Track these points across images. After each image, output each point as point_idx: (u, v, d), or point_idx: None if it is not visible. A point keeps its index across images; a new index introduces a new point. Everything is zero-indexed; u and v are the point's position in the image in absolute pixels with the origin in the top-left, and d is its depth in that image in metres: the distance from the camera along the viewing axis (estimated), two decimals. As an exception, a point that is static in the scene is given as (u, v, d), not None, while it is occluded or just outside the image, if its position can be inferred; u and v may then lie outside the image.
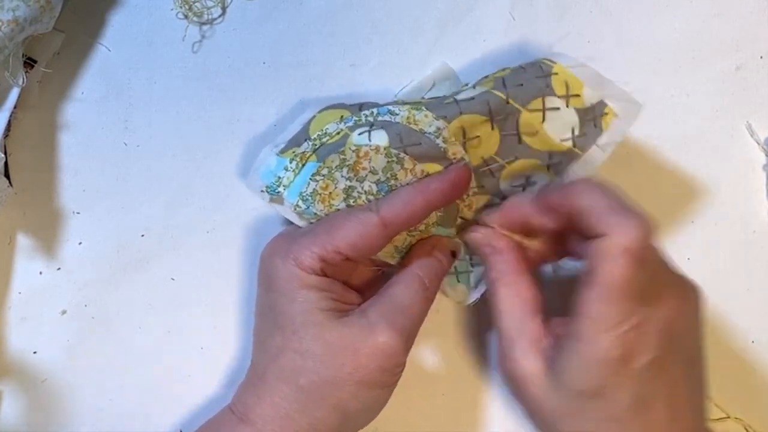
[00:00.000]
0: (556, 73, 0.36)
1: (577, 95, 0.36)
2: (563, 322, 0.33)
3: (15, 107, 0.38)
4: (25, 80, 0.37)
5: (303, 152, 0.36)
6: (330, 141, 0.36)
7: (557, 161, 0.37)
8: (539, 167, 0.37)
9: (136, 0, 0.41)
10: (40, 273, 0.40)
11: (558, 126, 0.36)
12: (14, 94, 0.38)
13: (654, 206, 0.42)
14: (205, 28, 0.41)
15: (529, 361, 0.33)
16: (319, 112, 0.38)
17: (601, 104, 0.37)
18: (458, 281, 0.38)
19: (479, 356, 0.42)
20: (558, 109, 0.36)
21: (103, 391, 0.40)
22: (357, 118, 0.36)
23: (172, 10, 0.41)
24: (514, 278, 0.34)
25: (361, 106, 0.37)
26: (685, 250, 0.42)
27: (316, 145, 0.36)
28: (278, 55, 0.41)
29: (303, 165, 0.36)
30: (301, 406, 0.33)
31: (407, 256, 0.37)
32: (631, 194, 0.42)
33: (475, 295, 0.38)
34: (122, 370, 0.40)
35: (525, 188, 0.37)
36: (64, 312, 0.40)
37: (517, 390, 0.34)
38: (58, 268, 0.40)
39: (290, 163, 0.36)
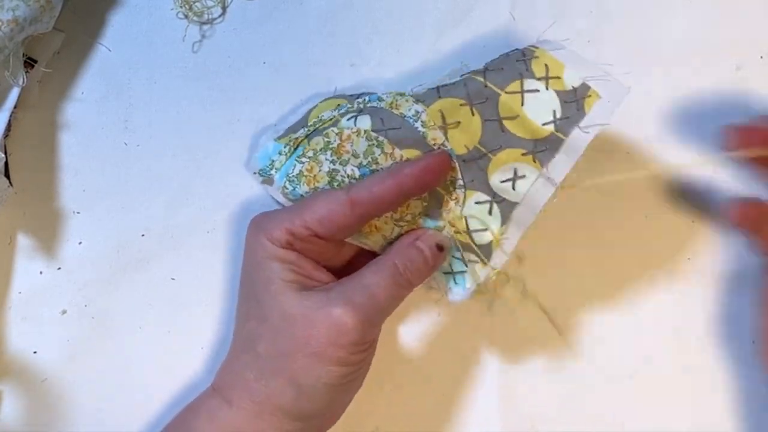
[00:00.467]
0: (537, 57, 0.36)
1: (558, 77, 0.36)
2: None
3: (15, 107, 0.38)
4: (25, 80, 0.37)
5: (296, 137, 0.37)
6: (322, 126, 0.37)
7: (542, 149, 0.36)
8: (525, 157, 0.36)
9: (136, 0, 0.41)
10: (40, 273, 0.40)
11: (538, 109, 0.36)
12: (14, 94, 0.38)
13: (654, 206, 0.42)
14: (205, 28, 0.41)
15: None
16: (321, 102, 0.38)
17: (584, 86, 0.36)
18: (455, 281, 0.38)
19: (479, 356, 0.42)
20: (537, 91, 0.36)
21: (103, 391, 0.40)
22: (350, 106, 0.37)
23: (172, 10, 0.41)
24: None
25: (359, 95, 0.38)
26: (685, 250, 0.42)
27: (309, 130, 0.37)
28: (278, 55, 0.41)
29: (294, 149, 0.37)
30: (258, 374, 0.34)
31: (391, 244, 0.37)
32: (631, 194, 0.42)
33: (466, 295, 0.38)
34: (122, 370, 0.40)
35: (514, 183, 0.36)
36: (64, 312, 0.40)
37: None
38: (58, 268, 0.40)
39: (284, 147, 0.37)
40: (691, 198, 0.43)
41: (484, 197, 0.36)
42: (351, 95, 0.38)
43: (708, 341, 0.42)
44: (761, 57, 0.43)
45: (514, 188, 0.36)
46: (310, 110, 0.38)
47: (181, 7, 0.41)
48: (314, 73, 0.41)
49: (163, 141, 0.41)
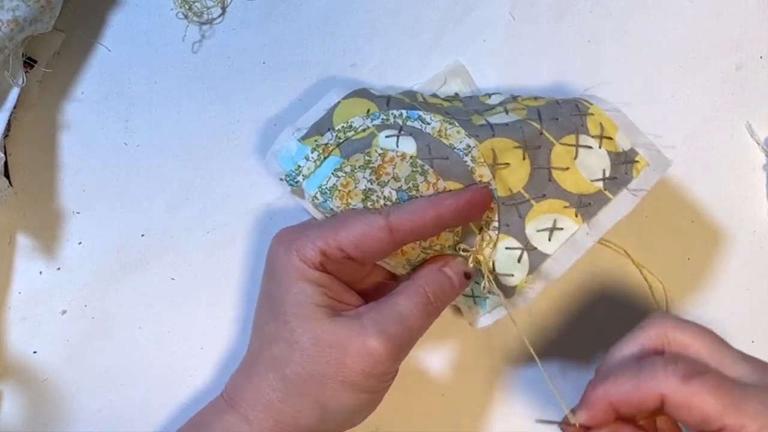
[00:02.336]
0: (592, 114, 0.36)
1: (611, 138, 0.36)
2: None
3: (15, 107, 0.38)
4: (25, 80, 0.37)
5: (326, 144, 0.36)
6: (355, 137, 0.36)
7: (586, 204, 0.36)
8: (567, 210, 0.36)
9: (136, 0, 0.41)
10: (40, 273, 0.40)
11: (590, 165, 0.36)
12: (14, 94, 0.38)
13: (654, 206, 0.42)
14: (205, 28, 0.41)
15: None
16: (344, 99, 0.37)
17: (633, 152, 0.37)
18: (475, 304, 0.38)
19: (479, 356, 0.42)
20: (591, 147, 0.36)
21: (103, 391, 0.40)
22: (385, 117, 0.36)
23: (172, 10, 0.41)
24: None
25: (388, 101, 0.37)
26: (685, 250, 0.42)
27: (340, 138, 0.36)
28: (278, 55, 0.41)
29: (325, 157, 0.36)
30: (284, 396, 0.33)
31: (417, 268, 0.36)
32: (631, 194, 0.42)
33: (487, 321, 0.38)
34: (122, 370, 0.40)
35: (551, 233, 0.36)
36: (64, 312, 0.40)
37: None
38: (58, 268, 0.40)
39: (312, 152, 0.36)
40: (690, 197, 0.43)
41: (516, 244, 0.36)
42: (379, 96, 0.37)
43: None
44: (761, 57, 0.43)
45: (549, 239, 0.36)
46: (333, 108, 0.37)
47: (180, 7, 0.41)
48: (314, 73, 0.41)
49: (163, 141, 0.41)
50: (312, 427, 0.34)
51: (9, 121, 0.38)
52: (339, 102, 0.37)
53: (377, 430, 0.41)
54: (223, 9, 0.41)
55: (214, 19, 0.41)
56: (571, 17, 0.42)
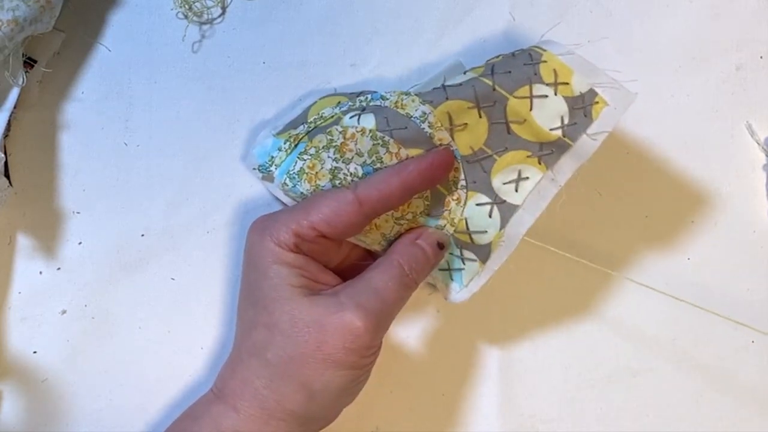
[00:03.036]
0: (545, 61, 0.36)
1: (566, 83, 0.36)
2: None
3: (15, 107, 0.38)
4: (25, 80, 0.37)
5: (297, 134, 0.37)
6: (323, 124, 0.36)
7: (548, 152, 0.36)
8: (530, 160, 0.36)
9: (136, 0, 0.41)
10: (40, 273, 0.40)
11: (546, 114, 0.36)
12: (14, 94, 0.38)
13: (654, 206, 0.42)
14: (205, 28, 0.41)
15: None
16: (321, 98, 0.38)
17: (591, 93, 0.36)
18: (451, 279, 0.38)
19: (479, 356, 0.42)
20: (546, 96, 0.36)
21: (103, 391, 0.40)
22: (352, 103, 0.37)
23: (172, 10, 0.41)
24: None
25: (360, 94, 0.38)
26: (685, 250, 0.42)
27: (310, 127, 0.37)
28: (278, 55, 0.41)
29: (295, 146, 0.36)
30: (268, 381, 0.33)
31: (392, 243, 0.37)
32: (631, 194, 0.42)
33: (464, 295, 0.38)
34: (122, 370, 0.40)
35: (517, 184, 0.36)
36: (64, 312, 0.40)
37: None
38: (58, 268, 0.40)
39: (284, 143, 0.37)
40: (690, 198, 0.43)
41: (485, 199, 0.37)
42: (351, 93, 0.38)
43: (708, 341, 0.42)
44: (761, 57, 0.43)
45: (516, 190, 0.36)
46: (309, 107, 0.38)
47: (180, 7, 0.41)
48: (314, 73, 0.41)
49: (163, 141, 0.41)
50: (299, 411, 0.34)
51: (9, 121, 0.38)
52: (314, 102, 0.38)
53: (377, 430, 0.41)
54: (223, 9, 0.41)
55: (214, 19, 0.41)
56: (571, 17, 0.42)
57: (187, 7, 0.40)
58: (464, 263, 0.38)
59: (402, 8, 0.42)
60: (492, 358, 0.42)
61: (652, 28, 0.42)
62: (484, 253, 0.37)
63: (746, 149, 0.43)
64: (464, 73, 0.37)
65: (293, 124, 0.38)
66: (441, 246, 0.36)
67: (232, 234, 0.41)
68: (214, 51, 0.41)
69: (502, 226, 0.36)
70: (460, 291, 0.38)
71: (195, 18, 0.41)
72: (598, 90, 0.36)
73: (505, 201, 0.36)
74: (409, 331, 0.41)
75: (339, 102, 0.37)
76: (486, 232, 0.37)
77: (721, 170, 0.43)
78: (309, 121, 0.37)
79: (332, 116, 0.37)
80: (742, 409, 0.42)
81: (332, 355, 0.33)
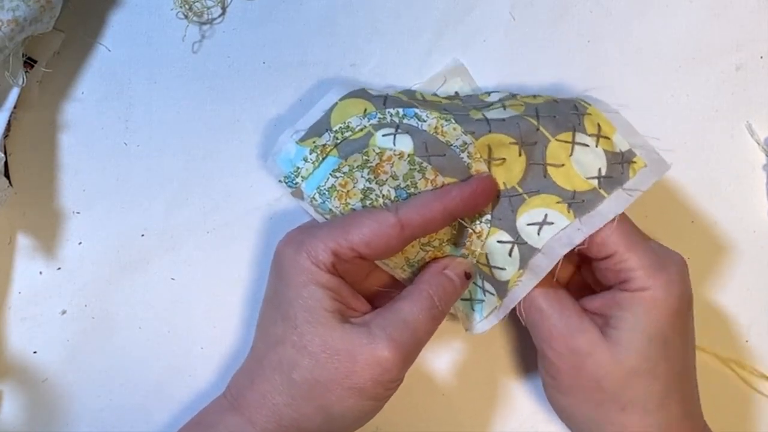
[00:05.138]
0: (590, 114, 0.36)
1: (608, 138, 0.36)
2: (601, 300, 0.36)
3: (15, 107, 0.38)
4: (25, 80, 0.37)
5: (324, 145, 0.36)
6: (353, 137, 0.36)
7: (579, 201, 0.36)
8: (559, 206, 0.36)
9: (136, 0, 0.41)
10: (40, 273, 0.40)
11: (585, 162, 0.36)
12: (14, 94, 0.38)
13: (654, 206, 0.42)
14: (205, 28, 0.41)
15: (588, 336, 0.34)
16: (341, 99, 0.37)
17: (630, 152, 0.36)
18: (473, 309, 0.38)
19: (480, 357, 0.42)
20: (587, 146, 0.36)
21: (103, 391, 0.40)
22: (381, 116, 0.36)
23: (172, 10, 0.41)
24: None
25: (385, 100, 0.37)
26: (685, 250, 0.42)
27: (338, 138, 0.36)
28: (278, 55, 0.41)
29: (323, 158, 0.36)
30: (289, 400, 0.33)
31: (420, 272, 0.36)
32: (631, 194, 0.42)
33: (485, 326, 0.38)
34: (122, 370, 0.40)
35: (540, 228, 0.36)
36: (64, 312, 0.40)
37: (572, 366, 0.35)
38: (58, 268, 0.40)
39: (310, 154, 0.36)
40: (690, 197, 0.43)
41: (507, 237, 0.36)
42: (376, 96, 0.37)
43: (706, 340, 0.42)
44: (761, 57, 0.43)
45: (539, 233, 0.36)
46: (331, 109, 0.37)
47: (180, 7, 0.41)
48: (314, 73, 0.41)
49: (163, 141, 0.41)
50: (314, 431, 0.34)
51: (9, 121, 0.38)
52: (336, 103, 0.37)
53: (377, 430, 0.41)
54: (223, 9, 0.41)
55: (214, 19, 0.41)
56: (571, 17, 0.42)
57: (187, 7, 0.40)
58: (485, 295, 0.38)
59: (402, 8, 0.42)
60: (492, 359, 0.42)
61: (652, 28, 0.42)
62: (502, 290, 0.37)
63: (746, 149, 0.43)
64: (502, 106, 0.37)
65: (316, 130, 0.37)
66: (468, 276, 0.36)
67: (232, 234, 0.41)
68: (214, 51, 0.41)
69: (521, 266, 0.36)
70: (480, 322, 0.38)
71: (195, 18, 0.41)
72: (636, 151, 0.36)
73: (526, 243, 0.36)
74: (409, 331, 0.41)
75: (365, 109, 0.36)
76: (505, 269, 0.36)
77: (721, 170, 0.43)
78: (334, 129, 0.36)
79: (362, 129, 0.36)
80: (741, 409, 0.42)
81: (359, 385, 0.33)
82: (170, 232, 0.41)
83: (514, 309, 0.37)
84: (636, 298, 0.34)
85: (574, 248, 0.35)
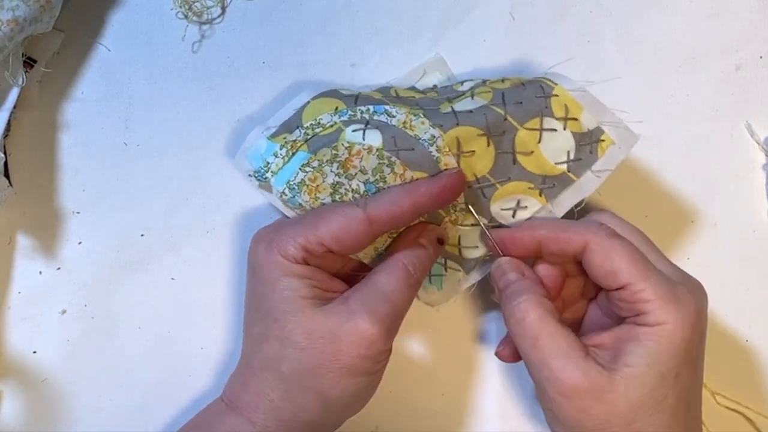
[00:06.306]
0: (557, 95, 0.36)
1: (575, 119, 0.36)
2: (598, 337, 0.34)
3: (15, 107, 0.38)
4: (25, 80, 0.37)
5: (294, 140, 0.36)
6: (323, 132, 0.36)
7: (550, 185, 0.37)
8: (531, 191, 0.37)
9: (136, 0, 0.41)
10: (40, 273, 0.40)
11: (554, 148, 0.36)
12: (14, 94, 0.38)
13: (654, 206, 0.42)
14: (205, 28, 0.41)
15: (595, 377, 0.32)
16: (313, 98, 0.37)
17: (598, 130, 0.37)
18: (430, 283, 0.38)
19: (479, 356, 0.42)
20: (555, 130, 0.36)
21: (103, 391, 0.40)
22: (352, 113, 0.36)
23: (172, 9, 0.41)
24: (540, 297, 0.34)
25: (356, 99, 0.37)
26: (685, 250, 0.42)
27: (308, 134, 0.36)
28: (278, 55, 0.41)
29: (293, 154, 0.36)
30: (283, 394, 0.34)
31: (393, 243, 0.37)
32: (631, 194, 0.42)
33: (442, 299, 0.39)
34: (122, 370, 0.40)
35: (515, 212, 0.37)
36: (64, 312, 0.40)
37: (579, 409, 0.33)
38: (58, 268, 0.40)
39: (280, 149, 0.36)
40: (690, 197, 0.43)
41: (482, 221, 0.37)
42: (348, 95, 0.38)
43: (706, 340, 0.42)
44: (761, 57, 0.43)
45: (513, 216, 0.37)
46: (303, 107, 0.37)
47: (180, 7, 0.41)
48: (314, 73, 0.41)
49: (163, 141, 0.41)
50: (315, 420, 0.34)
51: (9, 121, 0.38)
52: (308, 102, 0.37)
53: (377, 430, 0.41)
54: (223, 9, 0.41)
55: (214, 19, 0.41)
56: (571, 17, 0.42)
57: (187, 7, 0.40)
58: (446, 270, 0.38)
59: (402, 8, 0.42)
60: (492, 359, 0.42)
61: (652, 28, 0.42)
62: (469, 265, 0.38)
63: (746, 149, 0.43)
64: (471, 95, 0.37)
65: (287, 127, 0.37)
66: (441, 242, 0.37)
67: (232, 234, 0.41)
68: (214, 51, 0.41)
69: None
70: (434, 293, 0.38)
71: (195, 18, 0.41)
72: (604, 128, 0.37)
73: (500, 224, 0.37)
74: (409, 332, 0.41)
75: (336, 108, 0.37)
76: (477, 248, 0.37)
77: (721, 170, 0.43)
78: (305, 125, 0.36)
79: (332, 125, 0.36)
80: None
81: (348, 364, 0.33)
82: (170, 232, 0.41)
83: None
84: (651, 333, 0.32)
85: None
